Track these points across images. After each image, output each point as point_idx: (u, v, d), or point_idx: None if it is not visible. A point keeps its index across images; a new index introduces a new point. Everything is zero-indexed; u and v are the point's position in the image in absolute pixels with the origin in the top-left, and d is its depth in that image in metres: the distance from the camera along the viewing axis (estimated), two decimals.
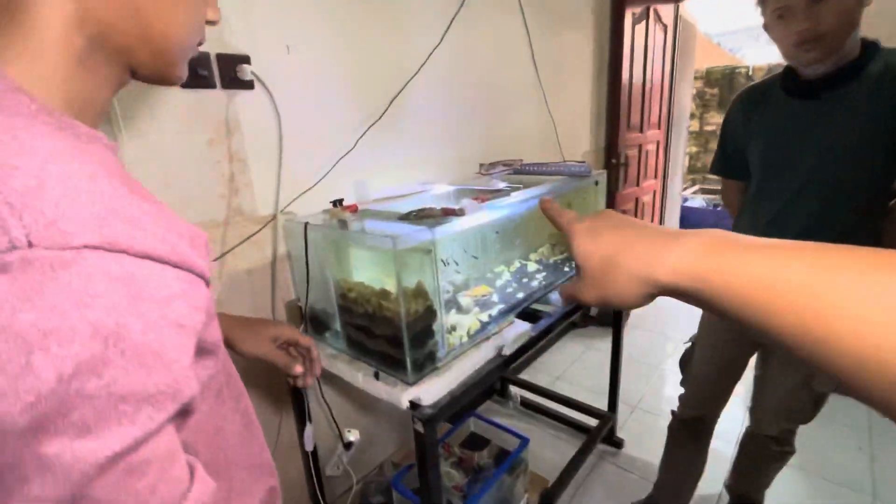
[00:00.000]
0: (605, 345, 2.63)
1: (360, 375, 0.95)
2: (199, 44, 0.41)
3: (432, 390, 0.88)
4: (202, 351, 0.32)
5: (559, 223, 0.43)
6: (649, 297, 0.34)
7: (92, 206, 0.24)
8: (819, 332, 0.23)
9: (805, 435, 1.23)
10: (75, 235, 0.23)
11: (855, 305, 0.22)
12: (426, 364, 0.92)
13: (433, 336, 0.93)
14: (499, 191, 1.10)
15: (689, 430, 1.30)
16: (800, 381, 1.08)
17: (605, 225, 0.38)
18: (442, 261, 1.18)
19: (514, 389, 2.07)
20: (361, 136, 1.33)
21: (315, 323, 1.09)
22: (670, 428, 1.36)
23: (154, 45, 0.35)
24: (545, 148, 2.17)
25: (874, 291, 0.22)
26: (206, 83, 1.01)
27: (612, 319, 1.61)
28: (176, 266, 0.27)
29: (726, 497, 1.48)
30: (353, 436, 1.23)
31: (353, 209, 1.05)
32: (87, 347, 0.22)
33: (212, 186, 1.06)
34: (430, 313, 0.91)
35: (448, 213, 0.92)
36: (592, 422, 1.83)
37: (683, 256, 0.31)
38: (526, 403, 2.04)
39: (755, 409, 1.25)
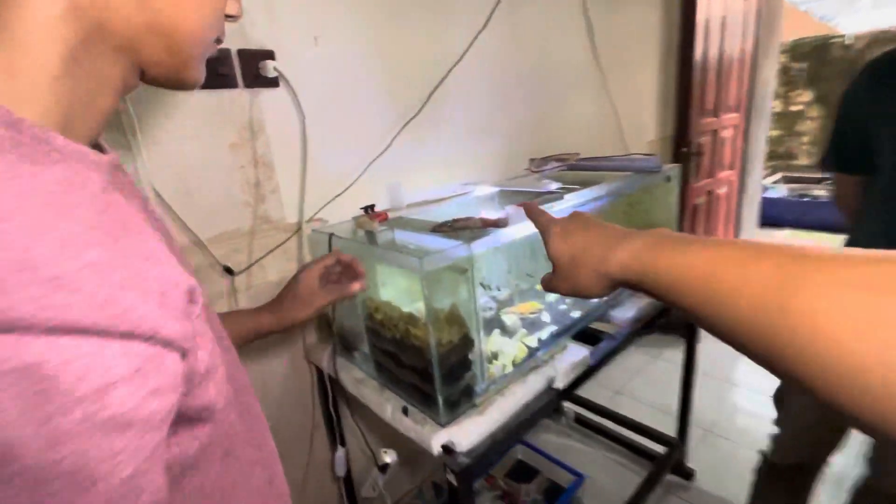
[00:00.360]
0: (672, 355, 2.38)
1: (388, 407, 0.84)
2: (219, 41, 0.35)
3: (469, 433, 0.75)
4: (190, 420, 0.26)
5: (537, 223, 0.51)
6: (609, 289, 0.40)
7: None
8: (713, 316, 0.30)
9: None
10: None
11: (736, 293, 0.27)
12: (462, 401, 0.79)
13: (470, 368, 0.79)
14: (550, 193, 0.94)
15: (786, 480, 1.08)
16: None
17: (576, 227, 0.45)
18: (481, 285, 1.04)
19: (568, 405, 1.90)
20: (397, 135, 1.22)
21: (344, 342, 1.00)
22: (760, 473, 1.14)
23: (164, 39, 0.29)
24: (605, 139, 1.95)
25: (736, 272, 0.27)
26: (227, 83, 0.93)
27: (686, 327, 1.39)
28: (125, 337, 0.20)
29: None
30: (388, 457, 1.13)
31: (384, 217, 0.94)
32: None
33: (237, 194, 0.99)
34: (466, 342, 0.77)
35: (488, 225, 0.78)
36: (658, 447, 1.61)
37: (630, 253, 0.36)
38: (581, 421, 1.86)
39: (878, 460, 1.00)
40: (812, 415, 1.01)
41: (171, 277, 0.24)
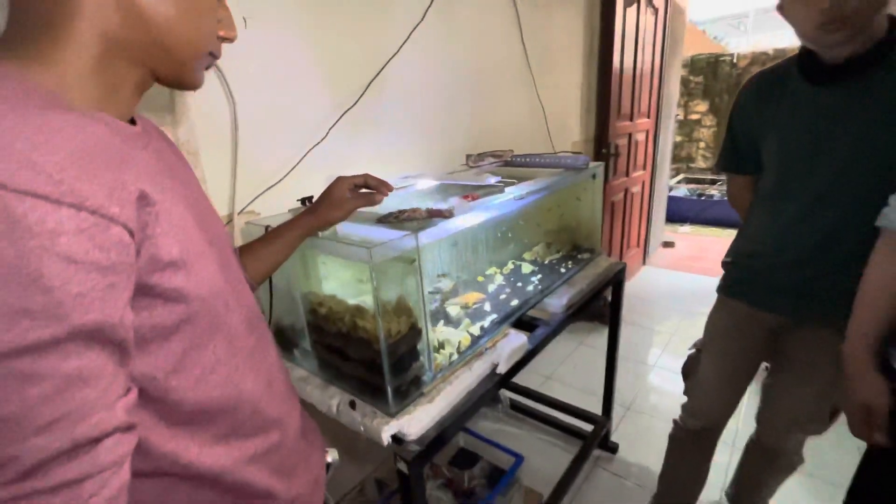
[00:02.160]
0: (596, 340, 2.57)
1: (333, 404, 0.82)
2: (214, 56, 0.47)
3: (418, 421, 0.76)
4: (157, 295, 0.37)
5: None
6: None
7: None
8: None
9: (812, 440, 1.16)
10: None
11: None
12: (410, 390, 0.79)
13: (418, 357, 0.80)
14: (490, 186, 0.98)
15: (694, 441, 1.22)
16: (817, 392, 1.00)
17: None
18: (439, 276, 1.05)
19: (503, 392, 1.97)
20: (334, 125, 1.18)
21: (282, 340, 0.95)
22: (673, 438, 1.27)
23: (166, 55, 0.41)
24: (535, 138, 2.04)
25: None
26: None
27: (610, 320, 1.51)
28: (73, 207, 0.29)
29: None
30: (330, 456, 1.10)
31: None
32: None
33: None
34: (414, 333, 0.78)
35: (434, 215, 0.79)
36: (586, 426, 1.74)
37: None
38: (516, 406, 1.94)
39: (763, 419, 1.17)
40: (713, 384, 1.15)
41: (125, 184, 0.33)
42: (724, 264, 1.13)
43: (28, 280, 0.28)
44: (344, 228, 0.79)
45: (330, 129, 1.17)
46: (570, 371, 2.27)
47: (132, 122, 0.43)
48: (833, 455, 1.64)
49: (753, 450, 1.25)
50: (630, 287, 3.21)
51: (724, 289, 1.12)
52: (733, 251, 1.11)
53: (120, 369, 0.34)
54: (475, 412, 0.85)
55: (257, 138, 1.03)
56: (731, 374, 1.12)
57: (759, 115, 0.99)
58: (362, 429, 0.76)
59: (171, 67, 0.42)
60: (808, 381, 1.02)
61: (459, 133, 1.61)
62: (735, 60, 5.42)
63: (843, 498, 0.89)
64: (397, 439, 0.75)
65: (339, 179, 0.73)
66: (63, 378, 0.30)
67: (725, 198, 1.20)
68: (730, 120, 1.08)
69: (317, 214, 0.72)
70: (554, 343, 2.47)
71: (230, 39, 0.48)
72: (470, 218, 0.85)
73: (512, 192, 0.98)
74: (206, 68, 0.48)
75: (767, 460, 1.21)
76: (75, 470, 0.30)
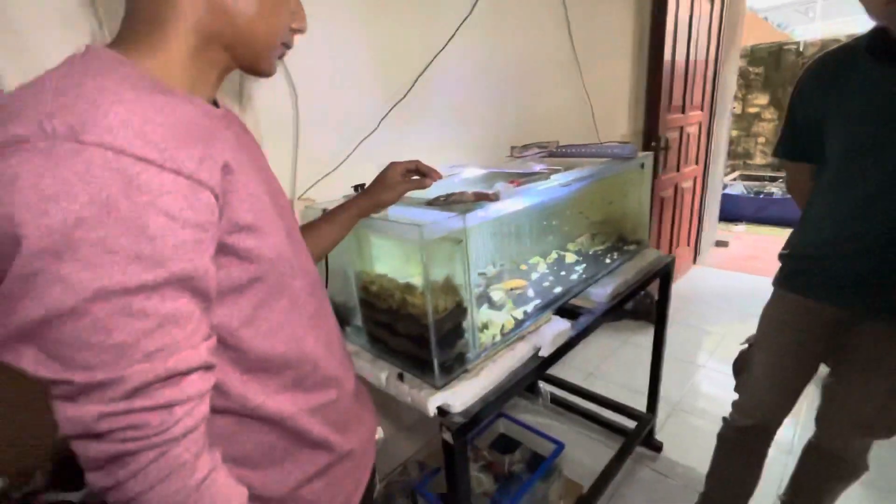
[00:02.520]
0: (641, 339, 2.50)
1: (383, 376, 0.87)
2: (287, 46, 0.52)
3: (462, 395, 0.79)
4: (233, 253, 0.42)
5: None
6: None
7: (105, 118, 0.33)
8: None
9: (877, 446, 1.08)
10: (88, 136, 0.32)
11: None
12: (455, 366, 0.83)
13: (463, 335, 0.83)
14: (536, 173, 0.99)
15: (745, 441, 1.17)
16: (888, 390, 0.94)
17: None
18: (482, 274, 1.08)
19: (543, 386, 1.97)
20: (385, 117, 1.24)
21: (335, 316, 1.02)
22: (722, 437, 1.23)
23: (246, 46, 0.47)
24: (580, 131, 2.02)
25: None
26: None
27: (656, 313, 1.48)
28: (173, 172, 0.35)
29: None
30: (377, 434, 1.16)
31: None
32: (85, 208, 0.31)
33: None
34: (459, 310, 0.81)
35: (480, 198, 0.82)
36: (628, 423, 1.71)
37: None
38: (556, 401, 1.94)
39: (824, 421, 1.11)
40: (768, 381, 1.10)
41: (213, 156, 0.39)
42: (781, 256, 1.08)
43: (138, 230, 0.33)
44: (394, 211, 0.84)
45: (381, 120, 1.23)
46: (613, 369, 2.23)
47: (215, 104, 0.50)
48: None
49: (812, 454, 1.18)
50: (679, 287, 3.09)
51: (780, 281, 1.08)
52: (792, 242, 1.06)
53: (204, 316, 0.39)
54: (517, 392, 0.87)
55: (316, 129, 1.10)
56: (786, 369, 1.07)
57: (822, 100, 0.94)
58: (409, 399, 0.81)
59: (251, 56, 0.48)
60: (876, 379, 0.96)
61: (505, 125, 1.62)
62: (801, 49, 5.06)
63: None
64: (442, 411, 0.79)
65: (392, 164, 0.78)
66: (161, 317, 0.35)
67: (786, 196, 1.15)
68: (790, 105, 1.03)
69: (370, 196, 0.77)
70: (597, 340, 2.46)
71: (301, 31, 0.53)
72: (515, 202, 0.88)
73: (558, 178, 0.99)
74: (280, 57, 0.53)
75: (827, 466, 1.14)
76: (168, 395, 0.36)
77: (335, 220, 0.76)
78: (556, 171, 1.03)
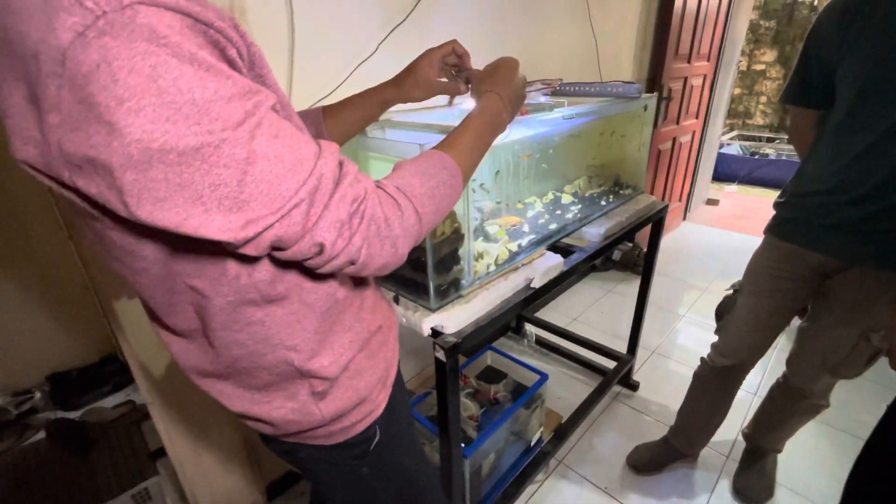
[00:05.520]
0: (625, 289, 2.57)
1: None
2: None
3: (456, 318, 0.81)
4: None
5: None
6: None
7: None
8: None
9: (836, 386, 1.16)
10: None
11: None
12: (450, 291, 0.84)
13: (459, 262, 0.85)
14: (540, 104, 0.97)
15: (719, 379, 1.24)
16: (860, 333, 0.99)
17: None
18: (482, 186, 1.07)
19: (529, 327, 2.04)
20: (383, 41, 1.18)
21: None
22: (698, 375, 1.30)
23: None
24: (585, 74, 1.96)
25: None
26: None
27: (645, 259, 1.51)
28: (201, 21, 0.34)
29: (741, 444, 1.46)
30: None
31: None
32: (176, 48, 0.31)
33: None
34: (457, 237, 0.82)
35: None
36: (608, 363, 1.79)
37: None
38: (541, 342, 2.01)
39: (794, 361, 1.17)
40: (749, 323, 1.15)
41: (223, 13, 0.37)
42: (776, 205, 1.10)
43: (207, 67, 0.33)
44: (389, 135, 0.82)
45: (379, 44, 1.17)
46: (597, 315, 2.30)
47: None
48: (857, 408, 1.64)
49: (779, 391, 1.26)
50: (667, 241, 3.14)
51: (773, 228, 1.09)
52: (788, 191, 1.07)
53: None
54: (509, 317, 0.90)
55: (312, 49, 1.05)
56: (768, 314, 1.11)
57: (841, 37, 0.91)
58: (404, 321, 0.83)
59: None
60: (852, 323, 1.00)
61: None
62: (816, 3, 4.87)
63: (858, 451, 0.88)
64: (436, 332, 0.81)
65: (428, 53, 0.72)
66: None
67: (781, 157, 1.14)
68: (804, 47, 1.00)
69: (400, 88, 0.72)
70: (584, 288, 2.52)
71: None
72: (519, 130, 0.86)
73: (561, 111, 0.97)
74: None
75: (792, 402, 1.23)
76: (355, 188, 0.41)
77: (357, 105, 0.72)
78: (560, 105, 1.00)
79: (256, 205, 0.36)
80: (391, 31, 1.19)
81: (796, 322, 1.18)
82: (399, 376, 0.71)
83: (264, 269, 0.45)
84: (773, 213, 1.10)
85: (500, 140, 0.82)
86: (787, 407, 1.24)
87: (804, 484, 1.39)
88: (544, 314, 2.31)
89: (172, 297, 0.46)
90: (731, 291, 1.24)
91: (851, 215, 0.93)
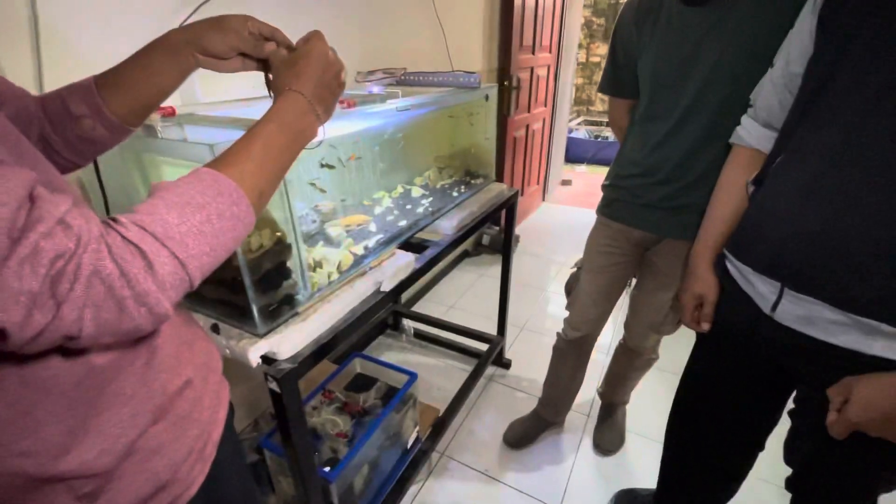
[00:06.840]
0: (497, 272, 2.67)
1: None
2: None
3: (291, 341, 0.72)
4: None
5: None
6: None
7: None
8: None
9: (664, 340, 1.35)
10: None
11: None
12: (282, 310, 0.74)
13: (289, 276, 0.75)
14: (370, 95, 0.90)
15: (573, 350, 1.35)
16: (671, 297, 1.14)
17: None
18: (312, 184, 0.96)
19: (406, 322, 2.01)
20: (190, 17, 0.99)
21: None
22: (556, 348, 1.40)
23: None
24: (434, 64, 1.95)
25: None
26: None
27: (503, 241, 1.56)
28: None
29: (597, 402, 1.62)
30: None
31: (171, 112, 0.77)
32: None
33: None
34: (281, 248, 0.72)
35: None
36: (483, 346, 1.85)
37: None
38: (419, 335, 2.00)
39: (629, 325, 1.32)
40: (590, 297, 1.26)
41: None
42: (604, 187, 1.20)
43: None
44: (190, 132, 0.68)
45: (187, 19, 0.98)
46: (471, 300, 2.37)
47: None
48: (679, 353, 1.94)
49: (620, 352, 1.42)
50: (530, 221, 3.38)
51: (602, 209, 1.20)
52: (611, 174, 1.17)
53: None
54: (358, 329, 0.83)
55: (80, 14, 0.82)
56: (606, 287, 1.23)
57: (637, 36, 1.01)
58: (228, 352, 0.71)
59: None
60: (666, 288, 1.15)
61: (349, 50, 1.46)
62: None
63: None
64: (268, 360, 0.71)
65: (244, 15, 0.57)
66: None
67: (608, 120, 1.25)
68: (612, 40, 1.09)
69: (188, 30, 0.55)
70: (458, 276, 2.57)
71: None
72: (345, 125, 0.78)
73: (394, 103, 0.92)
74: None
75: (630, 359, 1.39)
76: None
77: (143, 61, 0.54)
78: (394, 96, 0.95)
79: None
80: (201, 5, 1.00)
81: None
82: (229, 429, 0.59)
83: None
84: (602, 194, 1.21)
85: (330, 133, 0.74)
86: (627, 363, 1.41)
87: (647, 426, 1.60)
88: (421, 306, 2.31)
89: None
90: (575, 269, 1.34)
91: (659, 194, 1.05)
